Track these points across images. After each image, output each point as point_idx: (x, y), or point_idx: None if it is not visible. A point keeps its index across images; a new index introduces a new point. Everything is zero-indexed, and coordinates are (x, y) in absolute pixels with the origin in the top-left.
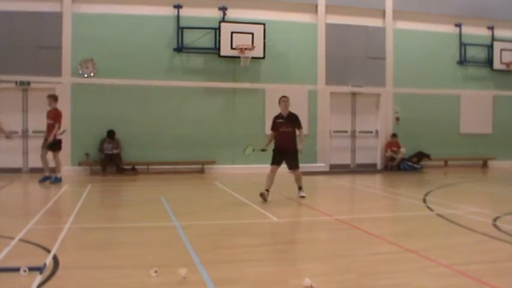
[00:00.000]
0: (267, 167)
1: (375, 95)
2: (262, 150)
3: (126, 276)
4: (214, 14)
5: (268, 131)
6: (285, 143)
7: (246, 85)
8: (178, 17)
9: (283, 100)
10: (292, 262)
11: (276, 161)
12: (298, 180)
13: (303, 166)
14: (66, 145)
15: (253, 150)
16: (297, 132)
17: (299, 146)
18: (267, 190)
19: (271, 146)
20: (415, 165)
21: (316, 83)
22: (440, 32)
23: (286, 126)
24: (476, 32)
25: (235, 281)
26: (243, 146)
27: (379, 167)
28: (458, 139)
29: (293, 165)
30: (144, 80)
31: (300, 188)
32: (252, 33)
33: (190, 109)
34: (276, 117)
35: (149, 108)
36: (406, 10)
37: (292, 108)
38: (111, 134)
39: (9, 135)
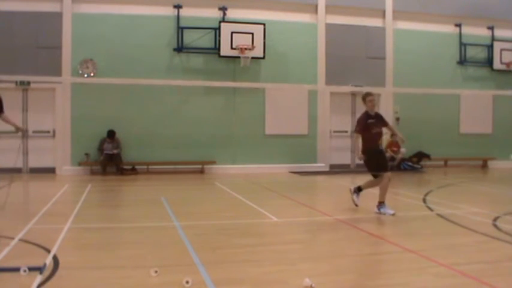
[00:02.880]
0: (268, 167)
1: (375, 95)
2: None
3: (126, 276)
4: (214, 14)
5: (268, 130)
6: (377, 143)
7: (246, 85)
8: (178, 17)
9: (370, 99)
10: (292, 262)
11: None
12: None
13: (304, 166)
14: (66, 145)
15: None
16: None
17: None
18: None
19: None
20: (415, 165)
21: (316, 83)
22: (440, 32)
23: (378, 127)
24: (476, 32)
25: (235, 281)
26: (243, 146)
27: None
28: (458, 139)
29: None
30: (144, 79)
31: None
32: (252, 33)
33: (190, 109)
34: (367, 117)
35: (149, 108)
36: (406, 10)
37: (293, 108)
38: (111, 134)
39: (22, 130)
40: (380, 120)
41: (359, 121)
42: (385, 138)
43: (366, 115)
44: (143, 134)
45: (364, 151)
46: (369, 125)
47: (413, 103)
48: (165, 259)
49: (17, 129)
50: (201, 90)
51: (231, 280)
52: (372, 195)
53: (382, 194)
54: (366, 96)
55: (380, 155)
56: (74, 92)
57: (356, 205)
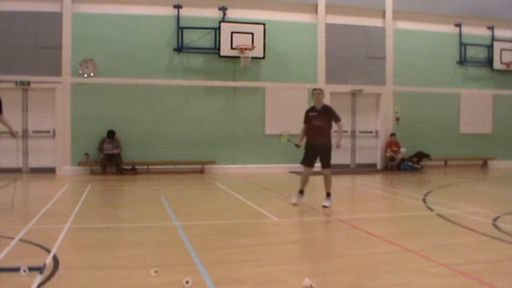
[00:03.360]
0: (268, 167)
1: (375, 95)
2: (296, 145)
3: (126, 276)
4: (214, 14)
5: (268, 130)
6: (318, 137)
7: (246, 85)
8: (178, 17)
9: (315, 93)
10: (292, 262)
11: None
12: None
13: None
14: (66, 145)
15: (288, 140)
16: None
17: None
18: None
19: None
20: (415, 165)
21: (316, 82)
22: (440, 32)
23: (320, 120)
24: (476, 32)
25: (235, 281)
26: (243, 146)
27: (379, 167)
28: (458, 139)
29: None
30: (144, 79)
31: (327, 195)
32: (252, 33)
33: (191, 109)
34: (310, 110)
35: (149, 108)
36: (406, 10)
37: (293, 108)
38: (111, 134)
39: (14, 134)
40: (324, 115)
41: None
42: (385, 138)
43: (310, 108)
44: (143, 134)
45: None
46: (310, 118)
47: (413, 103)
48: (165, 259)
49: (11, 133)
50: (201, 90)
51: (231, 280)
52: (372, 195)
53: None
54: (313, 91)
55: (310, 149)
56: (74, 92)
57: (294, 203)
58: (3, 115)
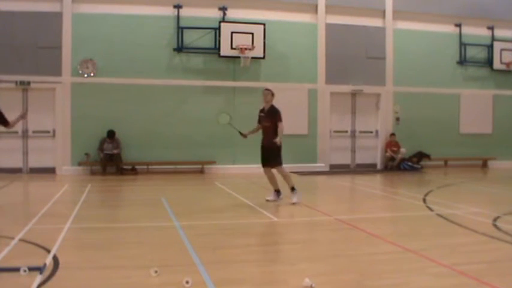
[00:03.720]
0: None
1: (375, 95)
2: (241, 134)
3: (126, 276)
4: (214, 14)
5: None
6: (265, 138)
7: (246, 85)
8: (178, 17)
9: (263, 93)
10: (292, 262)
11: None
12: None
13: (304, 166)
14: (66, 145)
15: (229, 123)
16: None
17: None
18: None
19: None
20: (415, 165)
21: (316, 83)
22: (440, 32)
23: (266, 121)
24: (476, 32)
25: (235, 281)
26: (243, 146)
27: (379, 167)
28: (458, 139)
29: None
30: (144, 80)
31: (291, 190)
32: (252, 33)
33: (190, 109)
34: (260, 111)
35: (149, 108)
36: (406, 10)
37: (293, 108)
38: (111, 134)
39: (24, 116)
40: (268, 116)
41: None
42: (385, 138)
43: (261, 108)
44: (143, 134)
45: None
46: (259, 118)
47: (413, 103)
48: (165, 259)
49: (23, 115)
50: (201, 90)
51: (231, 280)
52: (372, 195)
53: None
54: (263, 91)
55: (263, 149)
56: (74, 92)
57: (267, 200)
58: (10, 122)
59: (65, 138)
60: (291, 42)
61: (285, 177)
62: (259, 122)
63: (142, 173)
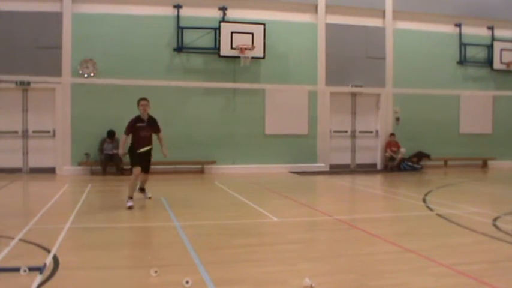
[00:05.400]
0: (268, 167)
1: (375, 95)
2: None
3: (126, 276)
4: (214, 14)
5: (268, 130)
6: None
7: (246, 85)
8: (178, 17)
9: (142, 104)
10: (292, 262)
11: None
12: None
13: (304, 166)
14: (66, 145)
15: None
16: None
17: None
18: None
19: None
20: (415, 165)
21: (316, 83)
22: (440, 32)
23: (147, 131)
24: (476, 32)
25: (235, 281)
26: (243, 146)
27: (379, 167)
28: (458, 139)
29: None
30: (144, 80)
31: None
32: (252, 33)
33: (190, 109)
34: (137, 121)
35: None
36: (406, 10)
37: (293, 108)
38: (111, 134)
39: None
40: (151, 126)
41: (128, 124)
42: (385, 138)
43: (136, 119)
44: None
45: (130, 149)
46: (138, 128)
47: (413, 103)
48: (165, 259)
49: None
50: (201, 90)
51: (231, 280)
52: (372, 195)
53: (129, 189)
54: (139, 101)
55: (139, 154)
56: (74, 92)
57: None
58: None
59: (65, 138)
60: (291, 42)
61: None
62: (137, 132)
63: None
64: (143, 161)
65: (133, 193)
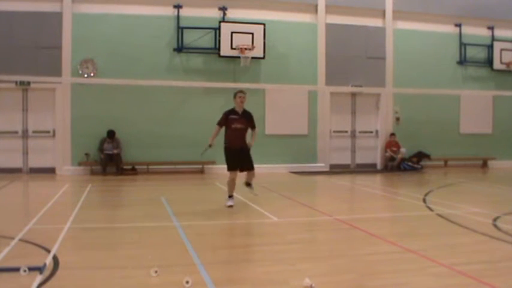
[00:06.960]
0: (268, 167)
1: (375, 95)
2: (210, 146)
3: (126, 276)
4: (214, 14)
5: (268, 130)
6: (239, 140)
7: (246, 85)
8: (178, 17)
9: (240, 96)
10: (292, 262)
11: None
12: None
13: (304, 166)
14: (66, 145)
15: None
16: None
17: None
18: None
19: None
20: (415, 165)
21: (316, 83)
22: (440, 32)
23: (241, 123)
24: (476, 32)
25: (235, 281)
26: None
27: (379, 167)
28: (458, 139)
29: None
30: (144, 80)
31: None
32: (252, 33)
33: (190, 109)
34: (230, 113)
35: (149, 108)
36: (406, 10)
37: (293, 108)
38: (111, 134)
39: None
40: (245, 119)
41: (222, 115)
42: (385, 138)
43: (230, 111)
44: (143, 134)
45: (225, 147)
46: (231, 120)
47: (413, 103)
48: (165, 259)
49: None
50: (201, 90)
51: (231, 280)
52: (372, 195)
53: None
54: (236, 93)
55: (233, 153)
56: (74, 92)
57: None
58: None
59: (65, 138)
60: (291, 42)
61: (253, 175)
62: (229, 124)
63: (142, 173)
64: (238, 161)
65: (233, 192)
